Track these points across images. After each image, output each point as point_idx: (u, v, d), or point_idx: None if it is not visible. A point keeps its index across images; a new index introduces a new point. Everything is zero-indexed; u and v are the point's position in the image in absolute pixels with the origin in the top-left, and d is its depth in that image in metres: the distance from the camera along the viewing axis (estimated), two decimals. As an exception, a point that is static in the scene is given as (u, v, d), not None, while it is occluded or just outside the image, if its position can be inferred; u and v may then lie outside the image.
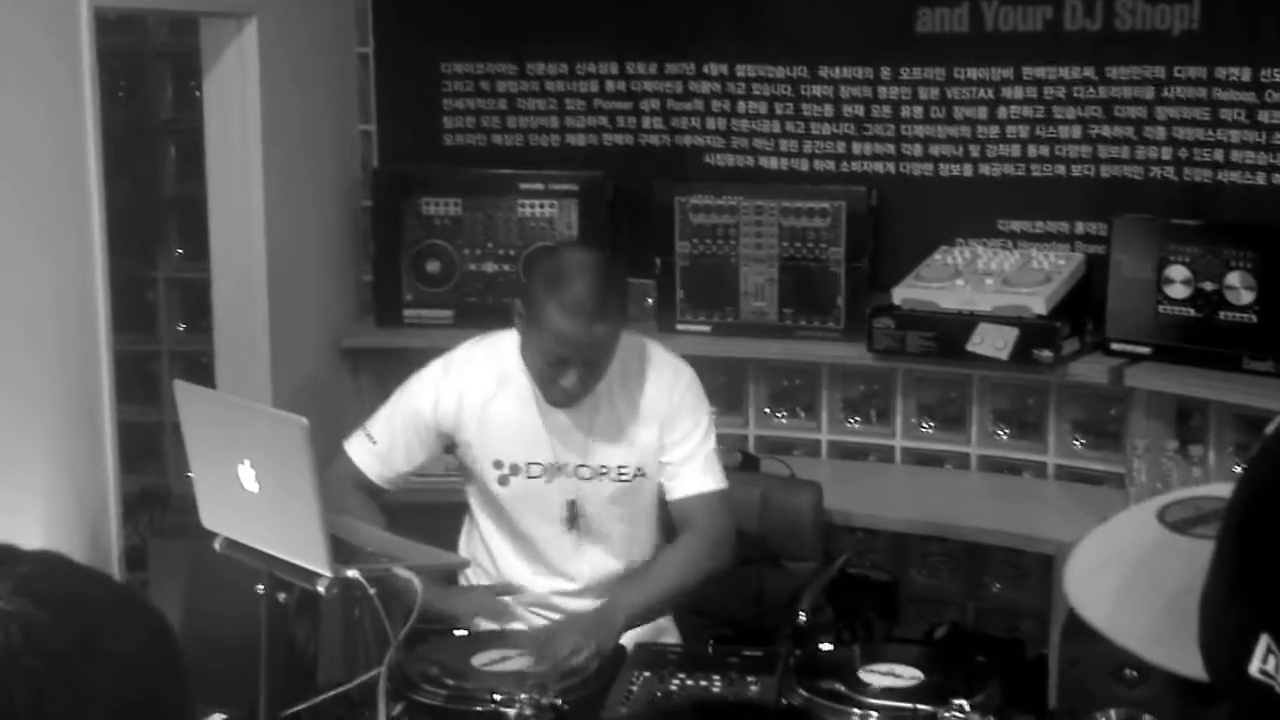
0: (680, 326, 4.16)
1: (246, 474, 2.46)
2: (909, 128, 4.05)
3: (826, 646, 2.79)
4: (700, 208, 4.16)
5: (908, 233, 4.04)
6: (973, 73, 3.96)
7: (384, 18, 4.44)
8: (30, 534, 3.12)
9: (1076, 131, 3.87)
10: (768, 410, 4.36)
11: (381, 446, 3.05)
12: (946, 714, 2.42)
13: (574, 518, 3.03)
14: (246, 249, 4.04)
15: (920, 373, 4.14)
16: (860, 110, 4.10)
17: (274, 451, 2.44)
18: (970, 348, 3.76)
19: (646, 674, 2.64)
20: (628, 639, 2.85)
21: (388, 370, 3.92)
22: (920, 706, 2.47)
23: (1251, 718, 0.96)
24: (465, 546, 3.18)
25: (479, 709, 2.54)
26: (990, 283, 3.81)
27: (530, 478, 3.01)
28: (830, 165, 4.15)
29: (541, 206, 4.26)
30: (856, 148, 4.12)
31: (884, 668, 2.63)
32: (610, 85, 4.33)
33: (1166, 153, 3.76)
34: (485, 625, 2.92)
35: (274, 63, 4.01)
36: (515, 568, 3.08)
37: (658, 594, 2.94)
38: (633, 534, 3.08)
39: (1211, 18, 3.66)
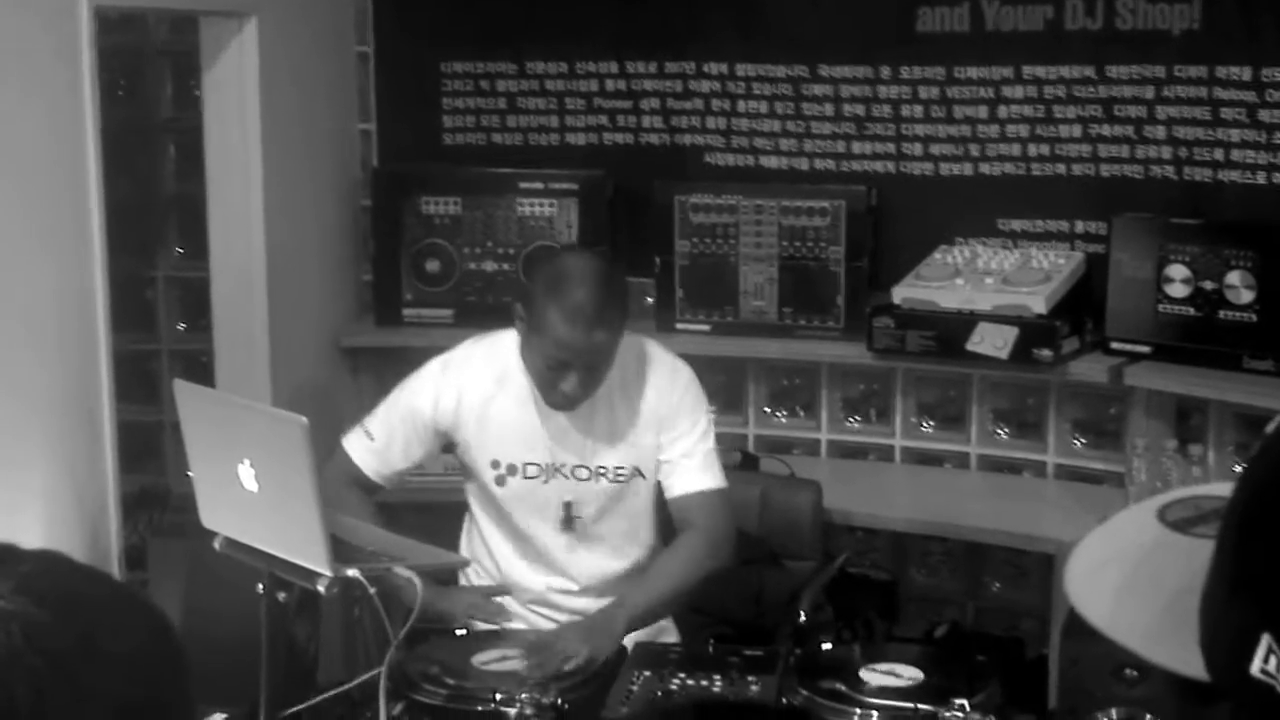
0: (680, 326, 4.16)
1: (246, 473, 2.46)
2: (909, 127, 4.05)
3: (827, 646, 2.79)
4: (700, 207, 4.16)
5: (907, 232, 4.04)
6: (973, 72, 3.96)
7: (384, 17, 4.44)
8: (30, 533, 3.12)
9: (1077, 131, 3.87)
10: (767, 409, 4.36)
11: (379, 444, 3.05)
12: (947, 713, 2.42)
13: (569, 519, 3.03)
14: (246, 248, 4.04)
15: (920, 372, 4.14)
16: (860, 109, 4.10)
17: (274, 451, 2.44)
18: (970, 347, 3.76)
19: (647, 673, 2.64)
20: (628, 639, 2.85)
21: (387, 369, 3.92)
22: (920, 706, 2.47)
23: (1252, 717, 0.96)
24: (466, 545, 3.18)
25: (479, 708, 2.53)
26: (990, 282, 3.81)
27: (527, 478, 3.01)
28: (830, 164, 4.15)
29: (541, 205, 4.26)
30: (856, 147, 4.12)
31: (884, 667, 2.63)
32: (610, 84, 4.33)
33: (1167, 152, 3.76)
34: (480, 625, 2.92)
35: (274, 62, 4.01)
36: (516, 567, 3.08)
37: (658, 596, 2.94)
38: (630, 534, 3.08)
39: (1212, 17, 3.66)
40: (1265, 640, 0.94)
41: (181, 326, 4.72)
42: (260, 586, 2.52)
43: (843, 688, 2.55)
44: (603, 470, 3.01)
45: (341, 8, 4.42)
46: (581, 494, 3.02)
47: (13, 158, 3.20)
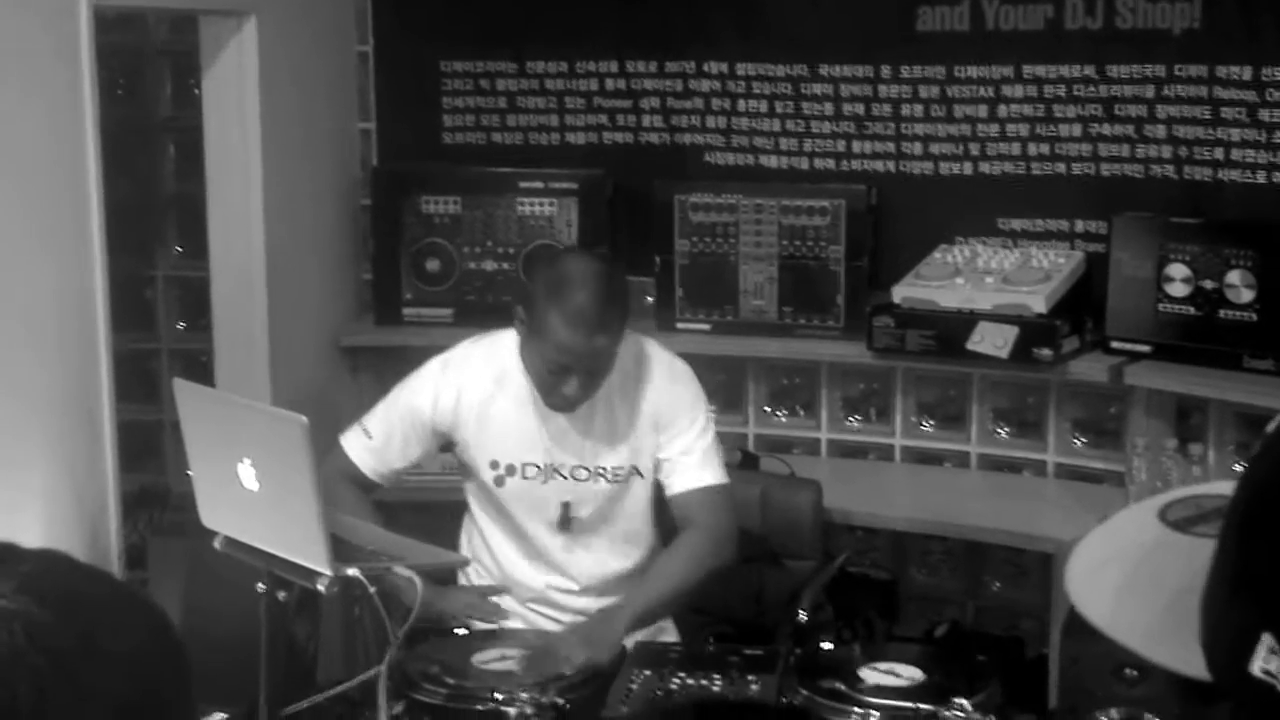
0: (680, 325, 4.16)
1: (246, 472, 2.46)
2: (909, 126, 4.05)
3: (827, 645, 2.79)
4: (700, 206, 4.16)
5: (908, 231, 4.04)
6: (973, 71, 3.96)
7: (384, 16, 4.44)
8: (30, 533, 3.11)
9: (1077, 130, 3.87)
10: (767, 409, 4.36)
11: (377, 442, 3.05)
12: (947, 713, 2.42)
13: (566, 519, 3.03)
14: (246, 247, 4.04)
15: (920, 371, 4.14)
16: (860, 109, 4.10)
17: (273, 450, 2.43)
18: (970, 346, 3.76)
19: (647, 673, 2.64)
20: (628, 638, 2.85)
21: (387, 369, 3.91)
22: (920, 705, 2.47)
23: (1253, 717, 0.96)
24: (466, 544, 3.18)
25: (479, 708, 2.54)
26: (990, 281, 3.81)
27: (526, 478, 3.01)
28: (830, 164, 4.15)
29: (541, 205, 4.26)
30: (856, 146, 4.12)
31: (884, 666, 2.63)
32: (610, 83, 4.33)
33: (1167, 151, 3.76)
34: (479, 624, 2.92)
35: (273, 61, 4.01)
36: (517, 565, 3.08)
37: (658, 597, 2.94)
38: (628, 534, 3.07)
39: (1212, 16, 3.65)
40: (1266, 640, 0.94)
41: (181, 326, 4.72)
42: (260, 586, 2.52)
43: (842, 687, 2.55)
44: (602, 471, 3.01)
45: (341, 7, 4.42)
46: (580, 494, 3.02)
47: (12, 157, 3.20)
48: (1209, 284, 3.59)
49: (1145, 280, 3.68)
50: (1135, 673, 2.99)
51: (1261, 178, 3.62)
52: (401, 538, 2.74)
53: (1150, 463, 3.62)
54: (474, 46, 4.40)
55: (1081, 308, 3.78)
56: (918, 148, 4.05)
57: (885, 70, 4.05)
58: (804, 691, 2.54)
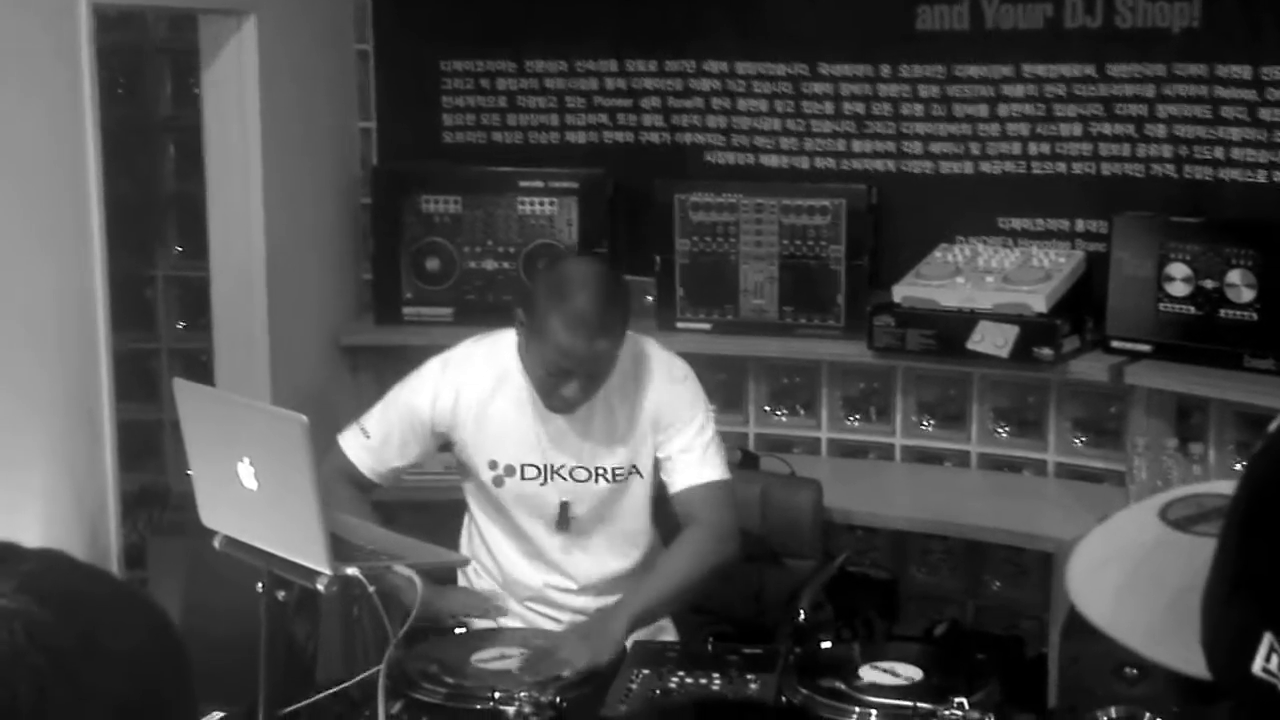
0: (680, 324, 4.16)
1: (246, 472, 2.45)
2: (909, 125, 4.05)
3: (826, 644, 2.79)
4: (700, 205, 4.16)
5: (908, 230, 4.04)
6: (973, 70, 3.96)
7: (384, 15, 4.44)
8: (29, 532, 3.12)
9: (1077, 129, 3.87)
10: (768, 408, 4.36)
11: (375, 441, 3.05)
12: (946, 712, 2.42)
13: (564, 519, 3.02)
14: (246, 247, 4.04)
15: (920, 370, 4.14)
16: (860, 108, 4.10)
17: (273, 449, 2.43)
18: (970, 345, 3.76)
19: (646, 672, 2.64)
20: (629, 637, 2.84)
21: (387, 368, 3.92)
22: (920, 705, 2.47)
23: (1253, 716, 0.96)
24: (466, 544, 3.18)
25: (478, 707, 2.53)
26: (990, 280, 3.81)
27: (525, 479, 3.01)
28: (830, 163, 4.15)
29: (541, 204, 4.26)
30: (857, 145, 4.12)
31: (884, 666, 2.63)
32: (610, 83, 4.33)
33: (1167, 150, 3.76)
34: (477, 623, 2.92)
35: (273, 60, 4.01)
36: (516, 565, 3.08)
37: (658, 596, 2.93)
38: (627, 534, 3.07)
39: (1212, 15, 3.65)
40: (1267, 639, 0.94)
41: (181, 325, 4.72)
42: (260, 585, 2.52)
43: (842, 686, 2.55)
44: (601, 471, 3.01)
45: (341, 5, 4.42)
46: (579, 494, 3.01)
47: (12, 157, 3.20)
48: (1209, 283, 3.59)
49: (1146, 280, 3.68)
50: (1135, 672, 2.99)
51: (1262, 177, 3.62)
52: (401, 537, 2.74)
53: (1151, 462, 3.62)
54: (474, 46, 4.40)
55: (1082, 307, 3.78)
56: (918, 147, 4.05)
57: (885, 69, 4.05)
58: (803, 690, 2.54)
